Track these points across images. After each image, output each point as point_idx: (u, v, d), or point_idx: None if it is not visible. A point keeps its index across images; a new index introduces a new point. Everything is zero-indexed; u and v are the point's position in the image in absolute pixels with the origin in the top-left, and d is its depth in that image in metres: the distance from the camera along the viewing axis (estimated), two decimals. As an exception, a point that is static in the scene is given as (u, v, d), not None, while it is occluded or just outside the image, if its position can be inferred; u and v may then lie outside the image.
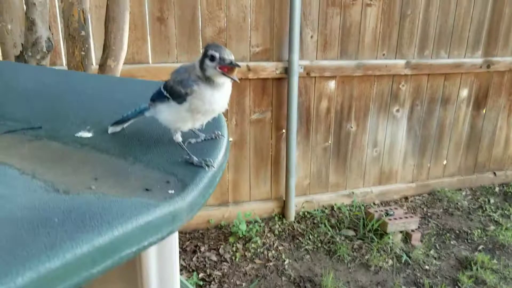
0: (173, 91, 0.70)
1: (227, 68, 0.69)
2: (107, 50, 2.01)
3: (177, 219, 0.54)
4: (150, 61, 2.87)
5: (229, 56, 0.69)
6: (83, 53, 1.99)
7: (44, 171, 0.63)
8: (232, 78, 0.70)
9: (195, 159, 0.65)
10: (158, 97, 0.74)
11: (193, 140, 0.73)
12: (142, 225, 0.49)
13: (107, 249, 0.44)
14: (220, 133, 0.74)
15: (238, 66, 0.70)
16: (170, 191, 0.58)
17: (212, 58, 0.69)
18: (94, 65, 2.31)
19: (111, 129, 0.76)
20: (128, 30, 2.01)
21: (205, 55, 0.70)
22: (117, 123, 0.76)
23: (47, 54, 1.57)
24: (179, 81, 0.70)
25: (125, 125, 0.77)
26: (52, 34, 1.60)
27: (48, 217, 0.48)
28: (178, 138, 0.70)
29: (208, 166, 0.64)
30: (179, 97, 0.70)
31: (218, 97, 0.70)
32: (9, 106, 0.87)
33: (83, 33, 1.95)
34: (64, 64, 2.73)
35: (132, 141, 0.72)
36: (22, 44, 1.63)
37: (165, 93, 0.72)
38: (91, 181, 0.61)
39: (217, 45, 0.70)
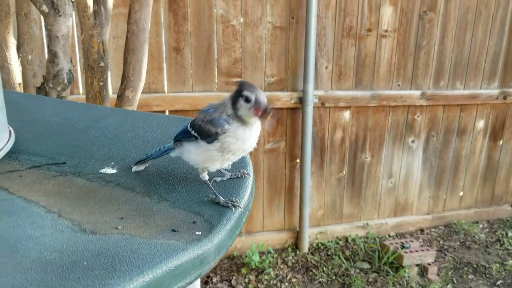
0: (203, 131, 0.69)
1: (261, 111, 0.69)
2: (125, 81, 2.04)
3: (205, 262, 0.53)
4: (166, 90, 2.90)
5: (264, 99, 0.69)
6: (101, 83, 2.02)
7: (70, 210, 0.63)
8: (265, 124, 0.70)
9: (221, 199, 0.64)
10: (184, 136, 0.72)
11: (218, 179, 0.72)
12: (171, 270, 0.48)
13: None
14: (246, 171, 0.73)
15: (273, 111, 0.70)
16: (197, 233, 0.57)
17: (247, 100, 0.68)
18: (111, 95, 2.33)
19: (134, 168, 0.75)
20: (146, 61, 2.04)
21: (239, 94, 0.69)
22: (141, 162, 0.75)
23: (68, 85, 1.60)
24: (209, 120, 0.69)
25: (148, 163, 0.76)
26: (73, 66, 1.63)
27: (77, 261, 0.48)
28: (205, 176, 0.69)
29: (234, 206, 0.63)
30: (209, 137, 0.68)
31: (249, 136, 0.70)
32: (33, 140, 0.87)
33: (102, 64, 1.98)
34: (81, 93, 2.77)
35: (156, 178, 0.72)
36: (43, 76, 1.66)
37: (192, 132, 0.71)
38: (117, 221, 0.60)
39: (252, 85, 0.69)
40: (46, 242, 0.52)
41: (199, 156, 0.69)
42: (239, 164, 0.75)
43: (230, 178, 0.72)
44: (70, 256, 0.49)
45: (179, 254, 0.50)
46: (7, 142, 0.83)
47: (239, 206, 0.63)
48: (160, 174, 0.74)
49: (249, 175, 0.73)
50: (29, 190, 0.69)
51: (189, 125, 0.72)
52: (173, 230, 0.57)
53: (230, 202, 0.63)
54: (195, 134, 0.70)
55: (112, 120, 0.95)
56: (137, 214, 0.62)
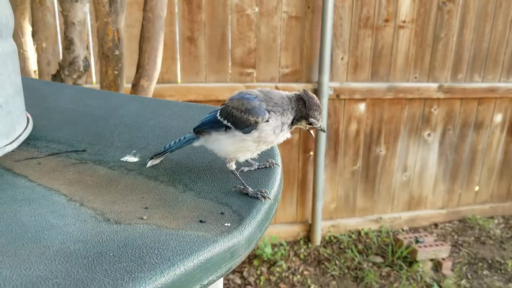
0: (239, 120, 0.65)
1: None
2: (140, 69, 2.02)
3: (235, 255, 0.50)
4: (179, 81, 2.87)
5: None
6: (116, 72, 1.99)
7: (92, 198, 0.60)
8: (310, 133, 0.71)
9: (250, 189, 0.61)
10: (213, 126, 0.68)
11: (246, 169, 0.69)
12: (202, 263, 0.45)
13: None
14: (274, 161, 0.69)
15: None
16: (226, 224, 0.54)
17: (311, 124, 0.67)
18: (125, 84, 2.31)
19: (150, 163, 0.70)
20: (162, 50, 2.02)
21: (306, 114, 0.66)
22: (157, 155, 0.71)
23: (84, 73, 1.57)
24: (248, 110, 0.65)
25: (164, 157, 0.72)
26: (89, 53, 1.61)
27: (102, 252, 0.45)
28: (232, 166, 0.66)
29: (264, 198, 0.60)
30: (246, 126, 0.64)
31: (285, 128, 0.66)
32: (52, 126, 0.85)
33: (116, 52, 1.96)
34: (94, 82, 2.75)
35: (180, 167, 0.69)
36: (59, 63, 1.64)
37: (224, 122, 0.66)
38: (141, 210, 0.57)
39: (317, 106, 0.67)
40: (69, 231, 0.50)
41: (232, 146, 0.65)
42: (267, 154, 0.72)
43: (258, 168, 0.69)
44: (95, 247, 0.46)
45: (210, 247, 0.47)
46: (25, 129, 0.80)
47: (269, 198, 0.60)
48: (184, 163, 0.71)
49: (278, 165, 0.70)
50: (49, 178, 0.66)
51: (218, 114, 0.68)
52: (201, 221, 0.55)
53: (259, 193, 0.60)
54: (228, 124, 0.66)
55: (132, 108, 0.93)
56: (162, 204, 0.59)
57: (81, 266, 0.42)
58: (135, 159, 0.73)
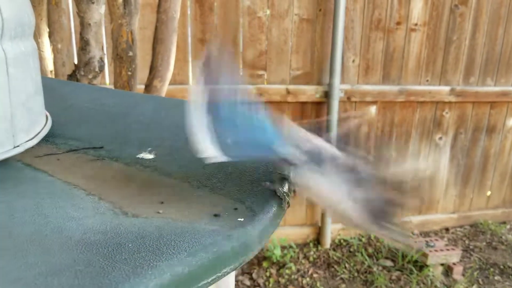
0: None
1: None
2: (153, 70, 2.05)
3: (249, 248, 0.52)
4: (191, 82, 2.90)
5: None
6: (129, 73, 2.02)
7: (110, 192, 0.62)
8: None
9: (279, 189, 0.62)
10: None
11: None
12: (217, 254, 0.47)
13: (187, 278, 0.42)
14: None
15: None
16: (239, 219, 0.56)
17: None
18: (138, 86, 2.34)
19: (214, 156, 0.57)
20: (175, 51, 2.04)
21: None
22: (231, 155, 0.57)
23: (99, 73, 1.61)
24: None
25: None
26: (105, 54, 1.64)
27: (121, 243, 0.47)
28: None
29: (288, 205, 0.61)
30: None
31: None
32: (70, 124, 0.88)
33: (130, 53, 1.99)
34: (108, 83, 2.79)
35: (195, 165, 0.71)
36: (74, 64, 1.67)
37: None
38: (158, 205, 0.59)
39: None
40: (89, 223, 0.52)
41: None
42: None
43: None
44: (114, 238, 0.48)
45: (224, 240, 0.49)
46: (44, 126, 0.83)
47: (287, 205, 0.61)
48: (198, 161, 0.73)
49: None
50: (68, 173, 0.69)
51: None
52: (215, 215, 0.56)
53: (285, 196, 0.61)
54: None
55: (147, 107, 0.95)
56: (177, 199, 0.61)
57: (102, 255, 0.44)
58: (150, 156, 0.74)
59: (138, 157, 0.74)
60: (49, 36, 1.99)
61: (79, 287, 0.38)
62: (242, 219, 0.55)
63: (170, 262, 0.42)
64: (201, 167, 0.71)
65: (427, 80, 3.25)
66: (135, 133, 0.82)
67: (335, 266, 3.17)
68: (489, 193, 3.79)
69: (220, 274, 0.47)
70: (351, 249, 3.36)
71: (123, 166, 0.72)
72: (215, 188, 0.64)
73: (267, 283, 2.97)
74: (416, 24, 3.10)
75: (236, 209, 0.58)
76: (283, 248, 3.28)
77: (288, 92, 3.00)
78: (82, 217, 0.53)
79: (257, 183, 0.65)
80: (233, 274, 0.75)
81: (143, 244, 0.46)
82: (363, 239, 3.47)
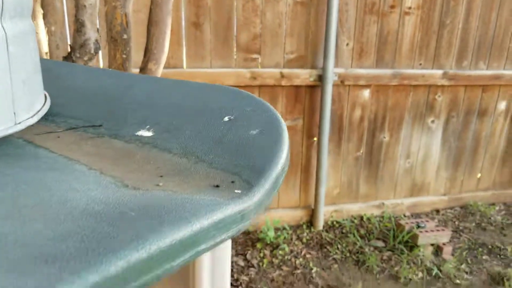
0: None
1: None
2: (148, 53, 2.05)
3: (245, 218, 0.55)
4: (185, 66, 2.90)
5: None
6: (124, 55, 2.03)
7: (111, 168, 0.64)
8: None
9: None
10: None
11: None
12: (216, 223, 0.49)
13: (187, 243, 0.45)
14: None
15: None
16: (236, 191, 0.58)
17: None
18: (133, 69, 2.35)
19: None
20: (169, 34, 2.04)
21: None
22: None
23: (95, 55, 1.61)
24: None
25: None
26: (100, 36, 1.64)
27: (124, 212, 0.49)
28: None
29: None
30: None
31: None
32: (68, 104, 0.89)
33: (125, 36, 1.99)
34: (101, 66, 2.79)
35: (193, 141, 0.73)
36: (70, 46, 1.68)
37: None
38: (157, 178, 0.61)
39: None
40: (92, 195, 0.54)
41: None
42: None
43: None
44: (117, 208, 0.50)
45: (222, 209, 0.52)
46: (44, 105, 0.84)
47: None
48: (197, 136, 0.75)
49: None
50: (69, 150, 0.71)
51: None
52: (215, 186, 0.59)
53: None
54: None
55: (144, 87, 0.96)
56: (176, 173, 0.63)
57: (106, 223, 0.46)
58: (149, 134, 0.76)
59: (137, 135, 0.76)
60: (43, 18, 1.98)
61: (86, 249, 0.41)
62: (239, 191, 0.58)
63: (172, 228, 0.45)
64: (200, 143, 0.73)
65: (420, 64, 3.27)
66: (133, 112, 0.84)
67: (328, 247, 3.22)
68: (479, 175, 3.85)
69: (218, 240, 0.50)
70: (344, 231, 3.42)
71: (123, 143, 0.74)
72: (212, 163, 0.66)
73: (261, 263, 3.02)
74: (410, 8, 3.11)
75: (233, 182, 0.61)
76: (276, 230, 3.33)
77: (282, 76, 3.01)
78: (85, 189, 0.56)
79: (253, 158, 0.67)
80: (229, 246, 0.78)
81: (145, 213, 0.49)
82: (356, 221, 3.53)
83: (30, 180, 0.58)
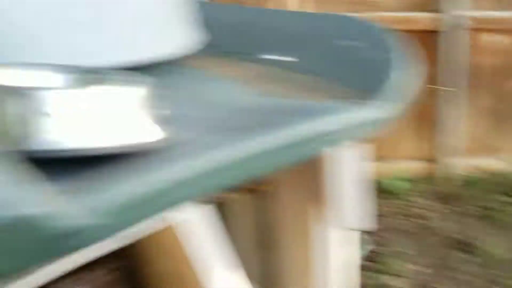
0: None
1: None
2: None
3: (358, 128, 0.66)
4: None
5: None
6: None
7: (253, 84, 0.80)
8: None
9: None
10: None
11: None
12: (340, 128, 0.62)
13: (312, 138, 0.59)
14: None
15: None
16: (359, 101, 0.68)
17: None
18: None
19: None
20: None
21: None
22: None
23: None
24: None
25: None
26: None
27: (260, 111, 0.64)
28: None
29: None
30: None
31: None
32: (218, 38, 1.05)
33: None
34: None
35: (323, 63, 0.85)
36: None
37: None
38: (292, 93, 0.75)
39: None
40: (240, 99, 0.71)
41: None
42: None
43: None
44: (256, 109, 0.66)
45: (345, 115, 0.63)
46: (199, 37, 1.01)
47: None
48: (325, 59, 0.87)
49: None
50: (221, 71, 0.88)
51: None
52: (337, 99, 0.70)
53: None
54: None
55: (275, 19, 1.11)
56: (304, 90, 0.76)
57: (250, 116, 0.62)
58: (283, 58, 0.90)
59: (279, 60, 0.90)
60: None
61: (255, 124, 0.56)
62: (362, 101, 0.68)
63: (305, 125, 0.58)
64: (329, 67, 0.84)
65: None
66: (278, 43, 0.98)
67: (455, 201, 3.12)
68: None
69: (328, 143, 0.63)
70: (471, 185, 3.27)
71: (265, 67, 0.88)
72: (342, 80, 0.77)
73: (382, 213, 3.05)
74: None
75: (356, 95, 0.71)
76: (400, 180, 3.29)
77: (402, 20, 2.88)
78: (236, 95, 0.72)
79: (381, 74, 0.76)
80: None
81: (280, 111, 0.63)
82: (485, 175, 3.34)
83: (192, 89, 0.77)
